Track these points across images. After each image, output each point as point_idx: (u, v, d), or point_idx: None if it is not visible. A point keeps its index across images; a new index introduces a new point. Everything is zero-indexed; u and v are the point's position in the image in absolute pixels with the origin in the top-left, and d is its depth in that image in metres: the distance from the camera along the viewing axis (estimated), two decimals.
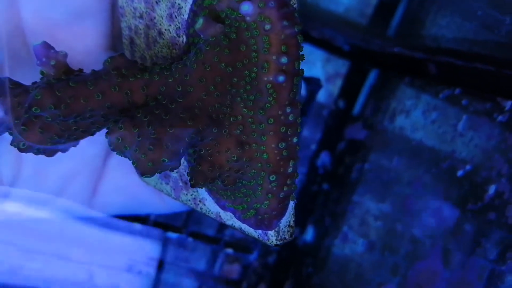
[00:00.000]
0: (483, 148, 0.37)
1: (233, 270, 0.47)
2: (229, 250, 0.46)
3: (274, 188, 0.26)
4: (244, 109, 0.25)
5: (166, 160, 0.24)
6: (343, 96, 0.53)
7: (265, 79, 0.24)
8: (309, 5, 0.50)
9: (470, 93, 0.39)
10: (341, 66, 0.53)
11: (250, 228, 0.28)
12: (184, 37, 0.27)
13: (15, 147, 0.25)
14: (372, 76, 0.53)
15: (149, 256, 0.43)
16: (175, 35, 0.28)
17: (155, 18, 0.28)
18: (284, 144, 0.25)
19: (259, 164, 0.26)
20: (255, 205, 0.27)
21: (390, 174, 0.46)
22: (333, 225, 0.49)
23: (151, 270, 0.43)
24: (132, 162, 0.24)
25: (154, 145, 0.24)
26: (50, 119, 0.24)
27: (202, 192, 0.30)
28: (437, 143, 0.41)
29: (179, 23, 0.27)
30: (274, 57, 0.23)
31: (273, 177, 0.26)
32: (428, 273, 0.38)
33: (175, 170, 0.31)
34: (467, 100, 0.39)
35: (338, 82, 0.53)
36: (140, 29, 0.29)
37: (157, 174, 0.32)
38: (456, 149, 0.39)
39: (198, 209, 0.31)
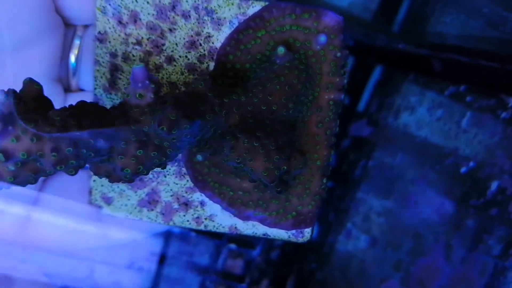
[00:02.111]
0: (486, 144, 0.37)
1: (236, 265, 0.47)
2: (232, 245, 0.47)
3: (322, 190, 0.30)
4: (302, 123, 0.29)
5: (285, 168, 0.27)
6: (347, 92, 0.53)
7: (326, 97, 0.29)
8: (312, 0, 0.50)
9: (475, 90, 0.39)
10: None
11: (280, 230, 0.32)
12: (211, 63, 0.29)
13: (107, 178, 0.25)
14: (376, 72, 0.53)
15: (150, 251, 0.43)
16: (195, 61, 0.30)
17: (164, 45, 0.29)
18: (333, 152, 0.30)
19: (310, 170, 0.30)
20: (298, 207, 0.31)
21: (394, 171, 0.46)
22: (336, 222, 0.49)
23: (152, 266, 0.43)
24: (262, 172, 0.26)
25: (279, 155, 0.27)
26: (175, 140, 0.25)
27: (210, 210, 0.32)
28: (441, 140, 0.41)
29: (204, 50, 0.29)
30: (337, 79, 0.28)
31: (325, 180, 0.30)
32: (431, 268, 0.38)
33: (169, 195, 0.32)
34: (471, 97, 0.39)
35: None
36: (133, 55, 0.30)
37: (134, 204, 0.33)
38: (459, 146, 0.39)
39: (201, 227, 0.33)
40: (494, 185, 0.35)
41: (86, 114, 0.24)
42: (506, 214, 0.33)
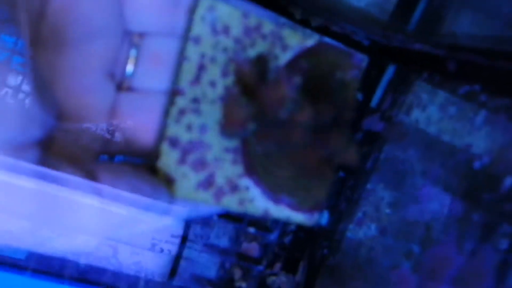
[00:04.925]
0: (500, 142, 0.38)
1: (252, 248, 0.49)
2: (251, 229, 0.48)
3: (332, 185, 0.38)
4: None
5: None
6: (361, 89, 0.54)
7: None
8: (331, 0, 0.51)
9: (489, 90, 0.40)
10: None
11: (299, 214, 0.37)
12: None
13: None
14: (390, 70, 0.54)
15: (171, 233, 0.44)
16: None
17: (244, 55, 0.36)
18: None
19: None
20: (317, 195, 0.37)
21: (405, 164, 0.47)
22: (347, 211, 0.50)
23: (174, 248, 0.44)
24: (355, 157, 0.37)
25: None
26: None
27: (252, 193, 0.36)
28: (454, 136, 0.42)
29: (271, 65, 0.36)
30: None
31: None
32: (442, 259, 0.39)
33: (223, 179, 0.35)
34: (485, 96, 0.40)
35: None
36: (218, 58, 0.35)
37: (192, 186, 0.36)
38: (472, 142, 0.40)
39: (242, 209, 0.37)
40: (508, 181, 0.36)
41: None
42: None
